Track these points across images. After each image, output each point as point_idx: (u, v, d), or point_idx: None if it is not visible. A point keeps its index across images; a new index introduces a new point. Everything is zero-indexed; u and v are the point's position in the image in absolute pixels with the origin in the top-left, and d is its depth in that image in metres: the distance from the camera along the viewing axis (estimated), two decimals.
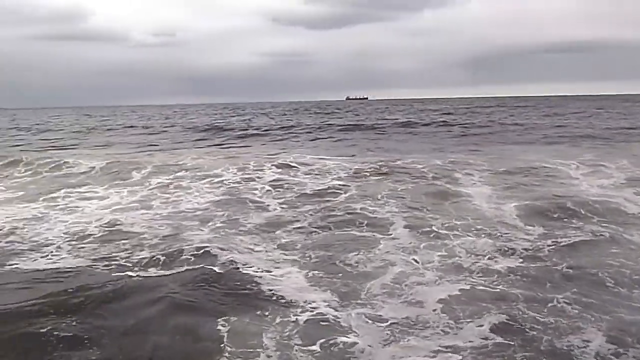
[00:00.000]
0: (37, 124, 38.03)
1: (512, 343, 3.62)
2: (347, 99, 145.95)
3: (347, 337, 3.72)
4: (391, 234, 6.31)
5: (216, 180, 10.35)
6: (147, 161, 13.14)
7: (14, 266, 5.34)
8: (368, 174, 10.66)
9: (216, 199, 8.70)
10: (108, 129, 31.15)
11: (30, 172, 12.23)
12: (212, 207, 8.09)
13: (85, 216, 7.68)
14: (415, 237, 6.16)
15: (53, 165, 12.82)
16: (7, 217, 7.64)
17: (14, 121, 45.15)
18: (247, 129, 26.80)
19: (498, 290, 4.55)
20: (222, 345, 3.65)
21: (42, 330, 3.73)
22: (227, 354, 3.53)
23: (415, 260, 5.33)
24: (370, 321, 3.99)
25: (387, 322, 3.97)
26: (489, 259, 5.35)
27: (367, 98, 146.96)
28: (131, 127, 32.97)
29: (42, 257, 5.71)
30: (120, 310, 4.15)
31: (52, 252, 5.87)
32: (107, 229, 6.84)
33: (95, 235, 6.54)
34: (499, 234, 6.18)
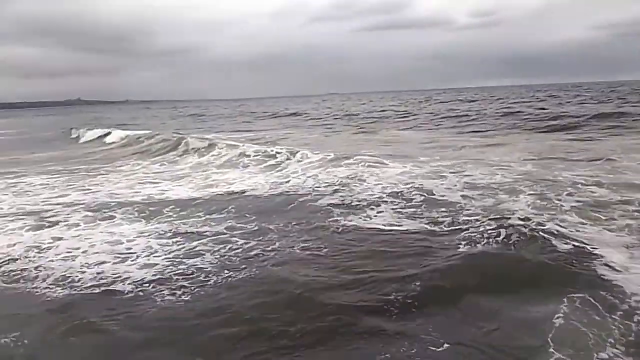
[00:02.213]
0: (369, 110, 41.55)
1: None
2: None
3: None
4: None
5: (504, 164, 9.68)
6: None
7: (351, 222, 6.05)
8: None
9: (519, 176, 8.26)
10: (413, 116, 29.18)
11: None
12: (517, 183, 7.70)
13: (387, 179, 8.43)
14: None
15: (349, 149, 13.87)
16: (328, 177, 9.04)
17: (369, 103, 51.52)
18: (554, 118, 20.40)
19: None
20: (553, 329, 3.38)
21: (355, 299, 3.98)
22: (556, 341, 3.23)
23: None
24: None
25: None
26: None
27: None
28: (454, 111, 29.65)
29: (366, 216, 6.33)
30: (452, 283, 4.19)
31: (378, 212, 6.46)
32: (418, 193, 7.25)
33: (413, 200, 6.97)
34: None
